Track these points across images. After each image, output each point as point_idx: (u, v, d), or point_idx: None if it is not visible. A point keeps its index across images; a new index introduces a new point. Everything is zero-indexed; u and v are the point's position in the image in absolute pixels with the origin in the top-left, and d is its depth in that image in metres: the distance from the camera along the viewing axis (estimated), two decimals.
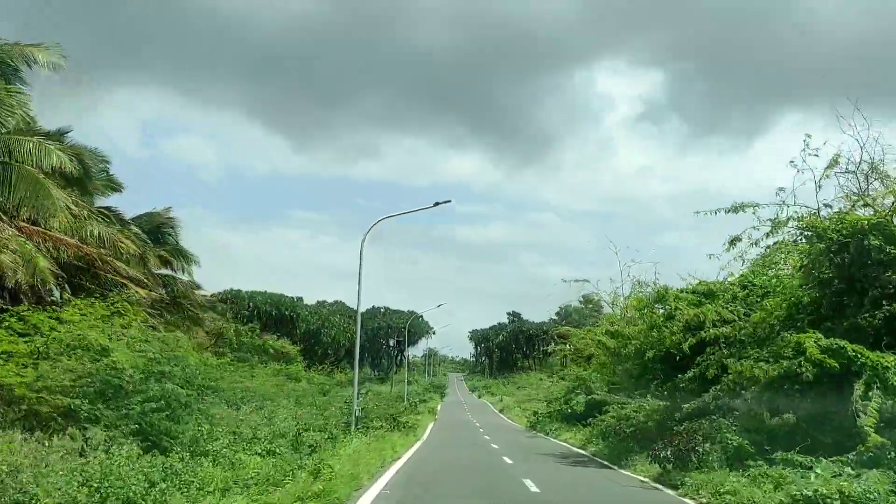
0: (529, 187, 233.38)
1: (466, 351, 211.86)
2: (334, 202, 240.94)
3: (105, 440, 10.34)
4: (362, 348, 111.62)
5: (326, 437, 18.92)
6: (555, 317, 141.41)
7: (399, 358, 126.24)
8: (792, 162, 19.03)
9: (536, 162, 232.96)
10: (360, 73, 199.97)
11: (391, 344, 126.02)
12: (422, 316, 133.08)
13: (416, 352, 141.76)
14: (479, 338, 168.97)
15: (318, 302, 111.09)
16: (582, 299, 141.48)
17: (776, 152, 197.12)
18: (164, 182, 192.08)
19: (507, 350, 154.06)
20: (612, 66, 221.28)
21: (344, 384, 68.88)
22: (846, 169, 18.99)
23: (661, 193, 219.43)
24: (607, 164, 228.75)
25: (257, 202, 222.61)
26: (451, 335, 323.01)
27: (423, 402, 61.67)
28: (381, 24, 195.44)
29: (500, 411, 63.68)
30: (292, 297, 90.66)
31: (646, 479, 15.63)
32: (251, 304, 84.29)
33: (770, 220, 18.44)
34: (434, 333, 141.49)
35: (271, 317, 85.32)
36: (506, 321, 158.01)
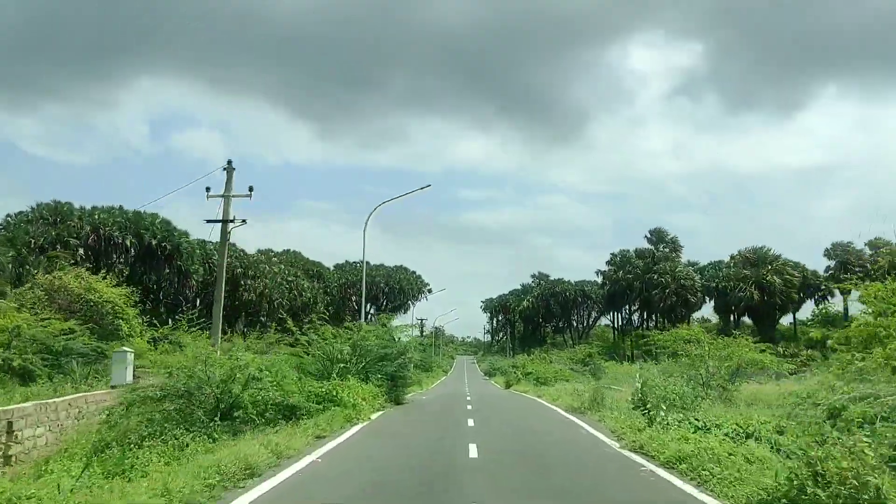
0: (555, 168, 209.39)
1: (478, 330, 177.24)
2: (346, 190, 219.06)
3: None
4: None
5: None
6: (605, 268, 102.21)
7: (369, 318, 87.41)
8: None
9: (566, 142, 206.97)
10: (386, 53, 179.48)
11: (370, 309, 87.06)
12: (415, 272, 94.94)
13: (407, 320, 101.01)
14: (494, 307, 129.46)
15: (260, 250, 72.81)
16: (650, 235, 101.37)
17: (809, 131, 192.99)
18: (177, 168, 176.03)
19: (533, 321, 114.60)
20: (648, 40, 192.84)
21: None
22: None
23: (685, 172, 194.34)
24: (637, 143, 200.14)
25: (276, 190, 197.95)
26: (463, 319, 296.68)
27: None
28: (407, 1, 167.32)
29: None
30: (166, 220, 49.83)
31: None
32: (86, 225, 45.09)
33: None
34: (430, 292, 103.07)
35: (127, 249, 46.05)
36: (531, 283, 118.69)
